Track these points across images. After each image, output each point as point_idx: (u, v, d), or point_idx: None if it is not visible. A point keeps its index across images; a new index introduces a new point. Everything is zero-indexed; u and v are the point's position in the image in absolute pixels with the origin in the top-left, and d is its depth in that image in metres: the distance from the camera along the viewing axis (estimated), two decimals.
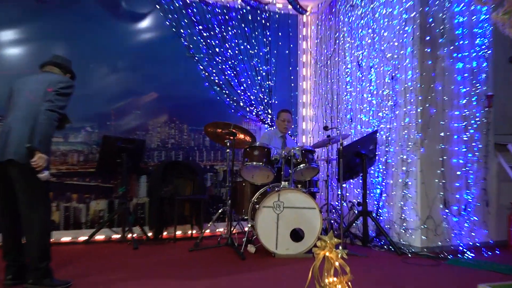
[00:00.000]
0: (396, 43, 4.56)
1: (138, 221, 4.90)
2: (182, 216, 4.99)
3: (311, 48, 6.11)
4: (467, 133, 4.48)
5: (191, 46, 5.33)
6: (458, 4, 4.47)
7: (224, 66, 5.45)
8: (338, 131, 4.68)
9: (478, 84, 4.55)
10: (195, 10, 5.35)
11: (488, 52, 4.61)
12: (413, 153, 4.30)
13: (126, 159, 4.56)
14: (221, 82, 5.45)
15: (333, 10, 5.64)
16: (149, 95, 5.17)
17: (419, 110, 4.27)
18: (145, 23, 5.19)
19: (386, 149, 4.63)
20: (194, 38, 5.35)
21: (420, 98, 4.28)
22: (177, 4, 5.27)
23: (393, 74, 4.57)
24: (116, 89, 5.02)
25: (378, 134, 4.68)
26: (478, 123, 4.53)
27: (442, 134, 4.35)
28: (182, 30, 5.29)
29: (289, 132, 5.17)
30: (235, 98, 5.52)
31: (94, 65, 4.93)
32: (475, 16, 4.57)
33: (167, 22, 5.24)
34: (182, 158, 5.30)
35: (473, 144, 4.50)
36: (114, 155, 4.57)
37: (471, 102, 4.52)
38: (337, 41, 5.57)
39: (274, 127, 5.34)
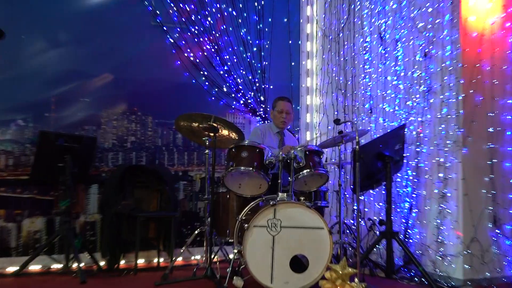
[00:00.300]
0: (430, 9, 4.55)
1: (87, 246, 4.85)
2: (145, 239, 4.96)
3: (317, 15, 6.10)
4: None
5: (157, 12, 5.31)
6: None
7: (202, 39, 5.43)
8: (353, 126, 4.64)
9: None
10: None
11: None
12: (452, 155, 4.28)
13: (71, 163, 4.51)
14: (198, 61, 5.44)
15: None
16: (102, 77, 5.15)
17: (460, 97, 4.26)
18: None
19: (417, 149, 4.62)
20: (162, 1, 5.33)
21: (462, 81, 4.26)
22: None
23: (427, 50, 4.56)
24: (58, 69, 4.99)
25: (406, 129, 4.67)
26: None
27: (491, 129, 4.34)
28: None
29: (289, 127, 5.15)
30: (216, 82, 5.49)
31: (28, 36, 4.87)
32: None
33: None
34: (146, 161, 5.29)
35: None
36: (55, 157, 4.50)
37: None
38: (352, 6, 5.57)
39: (269, 121, 5.31)
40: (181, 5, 5.36)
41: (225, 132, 4.34)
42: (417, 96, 4.66)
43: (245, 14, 5.65)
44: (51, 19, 4.95)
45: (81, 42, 5.07)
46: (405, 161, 4.66)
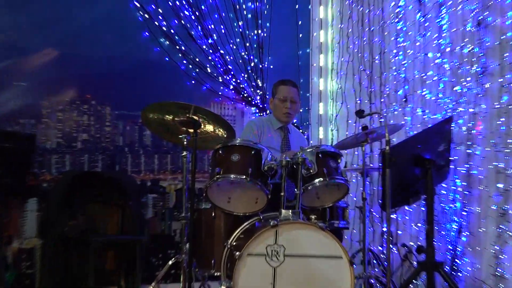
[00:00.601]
0: None
1: (22, 281, 4.87)
2: (102, 272, 4.99)
3: None
4: None
5: None
6: None
7: (178, 2, 5.44)
8: (382, 120, 4.61)
9: None
10: None
11: None
12: None
13: (1, 169, 4.52)
14: (172, 31, 5.45)
15: None
16: (43, 53, 5.17)
17: None
18: None
19: (469, 150, 4.62)
20: None
21: None
22: None
23: (480, 18, 4.55)
24: None
25: (453, 124, 4.65)
26: None
27: None
28: None
29: (295, 120, 5.16)
30: (198, 60, 5.51)
31: None
32: None
33: None
34: (103, 167, 5.30)
35: None
36: None
37: None
38: None
39: (268, 112, 5.29)
40: None
41: (209, 127, 4.33)
42: (468, 79, 4.65)
43: None
44: None
45: (16, 8, 5.07)
46: (452, 166, 4.62)
